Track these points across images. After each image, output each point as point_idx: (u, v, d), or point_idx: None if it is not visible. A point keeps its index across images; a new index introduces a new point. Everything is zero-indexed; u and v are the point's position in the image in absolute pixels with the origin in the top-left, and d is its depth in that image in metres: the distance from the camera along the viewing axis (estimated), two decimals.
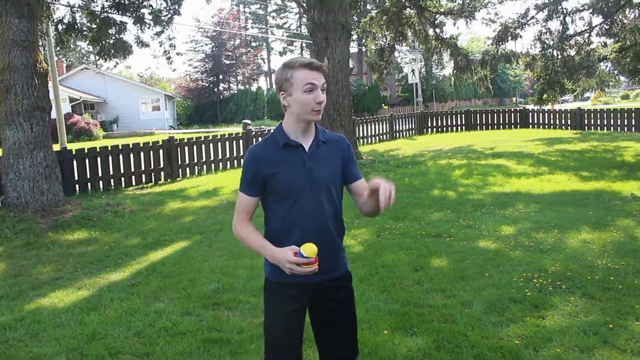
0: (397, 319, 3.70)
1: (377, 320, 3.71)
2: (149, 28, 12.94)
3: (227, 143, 13.17)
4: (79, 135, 27.48)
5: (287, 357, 2.07)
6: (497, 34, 18.29)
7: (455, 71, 19.72)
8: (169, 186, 10.85)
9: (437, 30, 19.22)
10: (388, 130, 19.32)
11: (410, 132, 20.77)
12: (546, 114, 21.65)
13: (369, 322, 3.68)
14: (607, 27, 18.43)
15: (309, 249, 1.87)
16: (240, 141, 13.50)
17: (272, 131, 2.13)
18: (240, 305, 4.16)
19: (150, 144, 11.36)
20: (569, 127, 20.26)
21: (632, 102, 43.33)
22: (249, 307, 4.12)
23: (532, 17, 18.29)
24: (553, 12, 17.92)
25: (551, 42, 18.16)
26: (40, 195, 7.67)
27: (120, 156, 10.75)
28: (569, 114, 20.65)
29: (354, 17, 23.23)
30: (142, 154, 11.10)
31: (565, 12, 17.96)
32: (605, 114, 19.42)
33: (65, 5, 12.33)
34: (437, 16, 18.91)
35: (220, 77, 43.63)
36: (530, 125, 21.59)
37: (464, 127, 21.89)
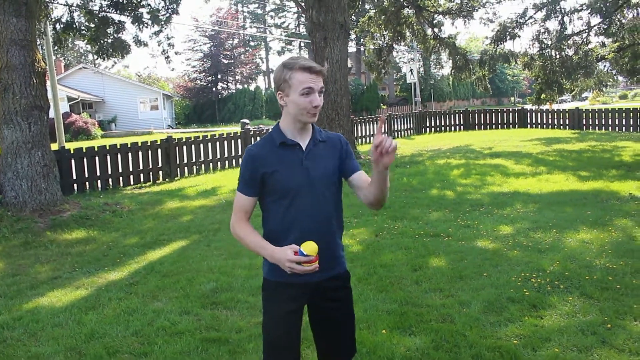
0: (395, 319, 3.70)
1: (375, 319, 3.71)
2: (147, 27, 12.93)
3: (225, 142, 13.17)
4: (77, 134, 27.45)
5: (285, 357, 2.07)
6: (495, 34, 18.28)
7: (453, 71, 19.72)
8: (167, 185, 10.84)
9: (436, 29, 19.23)
10: (386, 130, 19.34)
11: (409, 131, 20.81)
12: (544, 113, 21.70)
13: (368, 321, 3.68)
14: (605, 27, 18.41)
15: (310, 247, 1.86)
16: (239, 140, 13.51)
17: (269, 130, 2.12)
18: (239, 305, 4.16)
19: (149, 144, 11.34)
20: (567, 127, 20.32)
21: (630, 102, 43.39)
22: (247, 306, 4.12)
23: (531, 17, 18.28)
24: (551, 12, 17.90)
25: (549, 42, 18.14)
26: (38, 195, 7.66)
27: (119, 155, 10.73)
28: (567, 114, 20.71)
29: (353, 16, 23.26)
30: (140, 153, 11.08)
31: (563, 12, 17.94)
32: (603, 114, 19.47)
33: (64, 5, 12.31)
34: (435, 16, 18.95)
35: (219, 76, 43.64)
36: (529, 125, 21.64)
37: (462, 126, 21.93)
